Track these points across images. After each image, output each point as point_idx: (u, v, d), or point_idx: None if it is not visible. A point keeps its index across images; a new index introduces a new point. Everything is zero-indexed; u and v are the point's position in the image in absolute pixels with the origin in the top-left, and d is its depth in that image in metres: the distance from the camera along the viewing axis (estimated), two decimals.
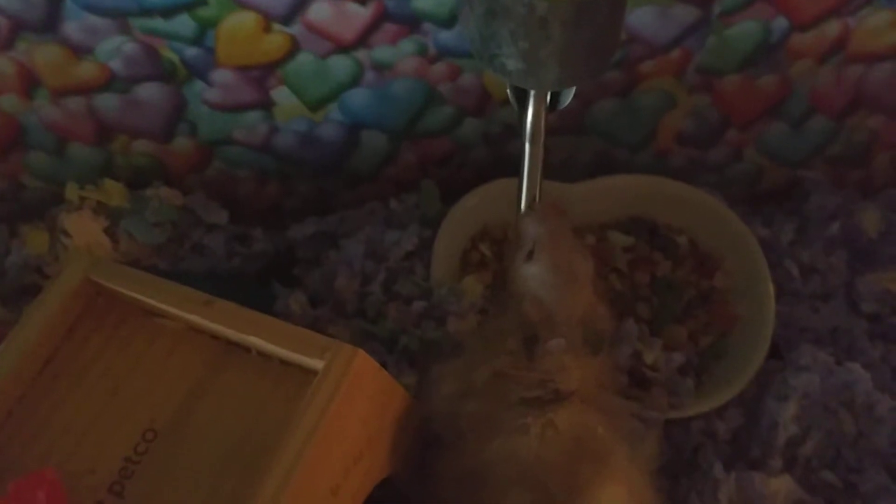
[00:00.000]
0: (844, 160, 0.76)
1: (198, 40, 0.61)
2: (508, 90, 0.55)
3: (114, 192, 0.67)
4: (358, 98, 0.66)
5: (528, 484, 0.47)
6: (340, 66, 0.64)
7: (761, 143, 0.74)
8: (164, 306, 0.50)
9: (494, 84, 0.66)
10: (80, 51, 0.61)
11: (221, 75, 0.63)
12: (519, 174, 0.56)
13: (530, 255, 0.53)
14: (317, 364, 0.46)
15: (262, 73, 0.63)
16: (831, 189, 0.75)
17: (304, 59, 0.63)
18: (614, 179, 0.71)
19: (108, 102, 0.64)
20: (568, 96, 0.54)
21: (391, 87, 0.66)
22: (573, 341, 0.50)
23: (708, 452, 0.60)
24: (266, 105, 0.66)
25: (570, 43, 0.46)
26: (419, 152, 0.71)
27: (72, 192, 0.67)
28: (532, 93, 0.52)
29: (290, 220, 0.71)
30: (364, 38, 0.62)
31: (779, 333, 0.65)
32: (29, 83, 0.62)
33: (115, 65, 0.62)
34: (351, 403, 0.46)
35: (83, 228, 0.65)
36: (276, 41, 0.61)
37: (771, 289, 0.65)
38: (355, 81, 0.65)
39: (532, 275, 0.53)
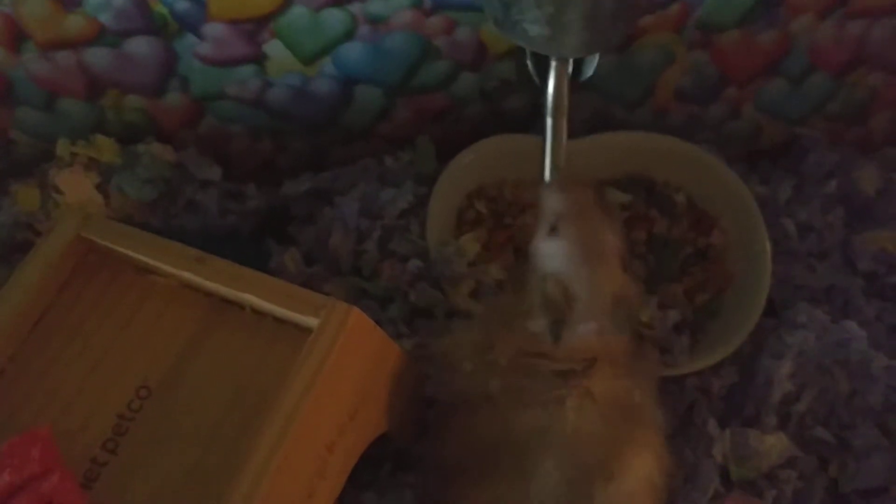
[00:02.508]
0: (843, 118, 0.76)
1: None
2: (529, 62, 0.53)
3: (105, 148, 0.66)
4: (352, 52, 0.65)
5: (565, 454, 0.47)
6: (334, 19, 0.63)
7: (760, 100, 0.73)
8: (156, 263, 0.50)
9: (491, 38, 0.66)
10: (68, 4, 0.59)
11: (213, 29, 0.62)
12: (542, 148, 0.54)
13: (553, 231, 0.51)
14: (311, 322, 0.46)
15: (255, 27, 0.62)
16: (829, 147, 0.75)
17: (297, 13, 0.62)
18: (612, 136, 0.70)
19: (98, 57, 0.63)
20: (591, 65, 0.52)
21: (386, 41, 0.65)
22: (603, 322, 0.49)
23: (702, 409, 0.61)
24: (259, 59, 0.65)
25: (597, 4, 0.45)
26: (414, 108, 0.71)
27: (63, 148, 0.66)
28: (554, 63, 0.50)
29: (284, 176, 0.70)
30: None
31: (775, 291, 0.65)
32: (16, 36, 0.61)
33: (105, 18, 0.61)
34: (346, 361, 0.46)
35: (75, 185, 0.65)
36: None
37: (768, 247, 0.65)
38: (349, 35, 0.64)
39: (555, 252, 0.50)
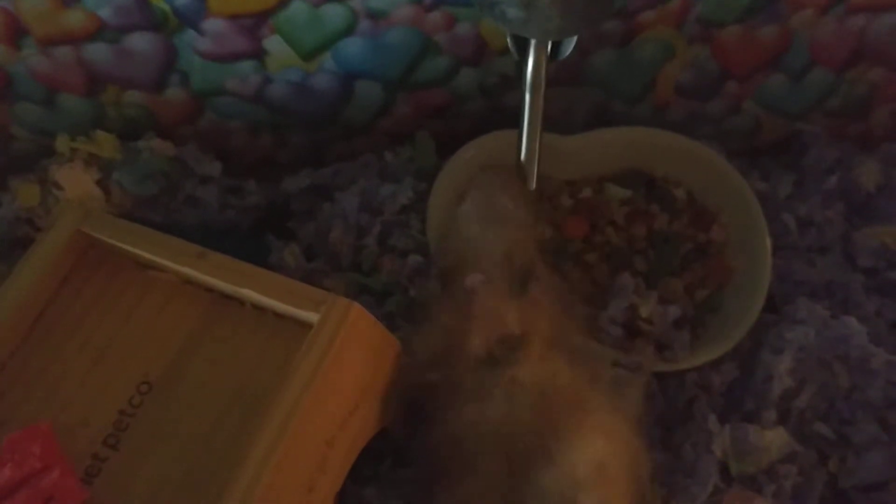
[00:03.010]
0: (844, 113, 0.76)
1: None
2: (508, 39, 0.54)
3: (105, 144, 0.66)
4: (352, 48, 0.65)
5: (501, 446, 0.47)
6: (334, 14, 0.63)
7: (760, 95, 0.73)
8: (156, 259, 0.50)
9: (491, 33, 0.65)
10: None
11: (213, 24, 0.62)
12: (518, 125, 0.55)
13: (461, 197, 0.54)
14: (312, 317, 0.46)
15: (255, 22, 0.62)
16: (830, 142, 0.75)
17: (297, 8, 0.62)
18: (612, 131, 0.70)
19: (97, 52, 0.63)
20: (569, 46, 0.53)
21: (386, 37, 0.65)
22: (496, 280, 0.50)
23: (702, 405, 0.61)
24: (258, 55, 0.65)
25: None
26: (414, 103, 0.71)
27: (62, 143, 0.66)
28: (533, 42, 0.51)
29: (284, 172, 0.70)
30: None
31: (775, 287, 0.65)
32: (15, 31, 0.61)
33: (105, 13, 0.61)
34: (346, 356, 0.46)
35: (75, 181, 0.65)
36: None
37: (768, 242, 0.64)
38: (349, 30, 0.64)
39: (458, 212, 0.54)
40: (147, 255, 0.50)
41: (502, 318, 0.49)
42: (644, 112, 0.74)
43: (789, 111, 0.75)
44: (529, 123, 0.54)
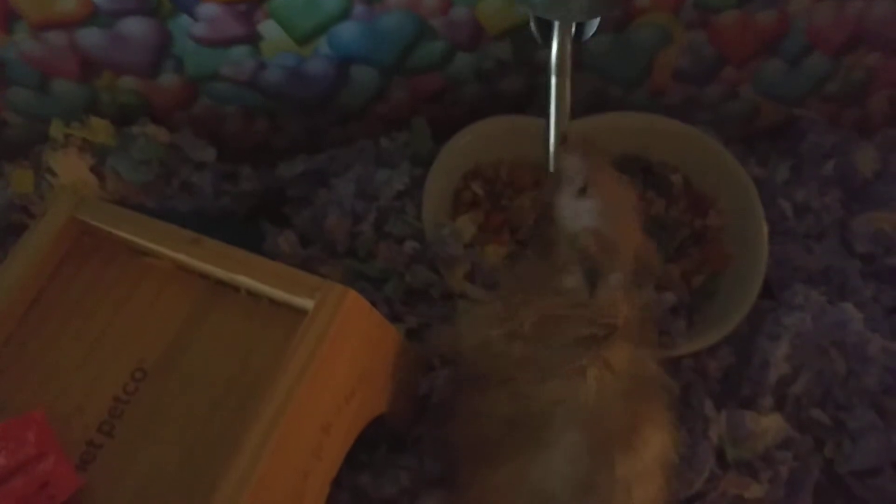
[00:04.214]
0: (841, 99, 0.76)
1: None
2: (532, 22, 0.53)
3: (99, 130, 0.66)
4: (347, 32, 0.65)
5: (587, 424, 0.47)
6: None
7: (758, 80, 0.73)
8: (151, 245, 0.49)
9: (487, 18, 0.65)
10: None
11: (207, 9, 0.62)
12: (546, 108, 0.54)
13: (583, 191, 0.52)
14: (307, 304, 0.46)
15: (249, 7, 0.62)
16: (827, 128, 0.74)
17: None
18: (609, 117, 0.70)
19: (91, 37, 0.63)
20: (593, 26, 0.53)
21: (381, 21, 0.64)
22: (627, 276, 0.50)
23: (699, 391, 0.61)
24: (253, 40, 0.64)
25: None
26: (410, 89, 0.70)
27: (56, 129, 0.66)
28: (556, 24, 0.51)
29: (279, 158, 0.70)
30: None
31: (771, 273, 0.65)
32: (7, 16, 0.60)
33: None
34: (342, 343, 0.45)
35: (69, 166, 0.64)
36: None
37: (764, 228, 0.64)
38: (344, 15, 0.63)
39: (587, 209, 0.51)
40: (142, 242, 0.49)
41: (616, 308, 0.49)
42: (641, 98, 0.73)
43: (787, 97, 0.75)
44: (557, 107, 0.54)
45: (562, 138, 0.55)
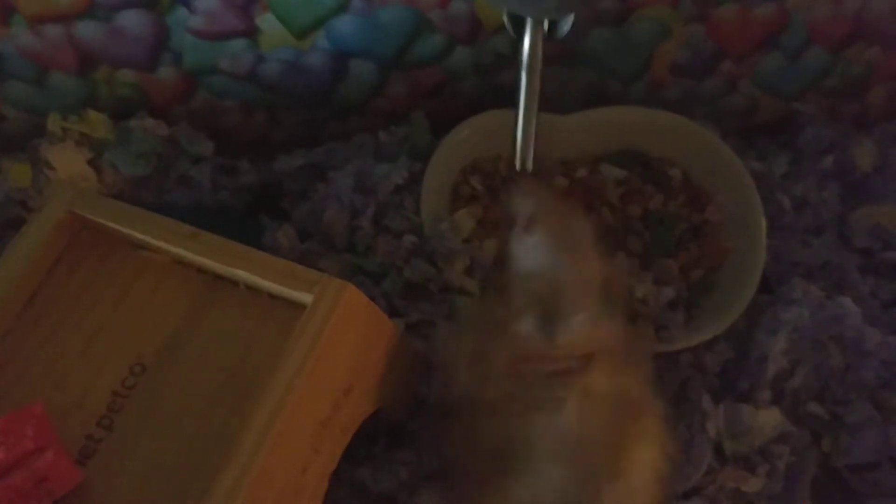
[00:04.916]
0: (840, 93, 0.75)
1: None
2: (505, 18, 0.53)
3: (97, 124, 0.66)
4: (346, 26, 0.64)
5: (571, 456, 0.47)
6: None
7: (756, 74, 0.73)
8: (149, 239, 0.49)
9: (486, 12, 0.65)
10: None
11: (205, 2, 0.62)
12: (515, 105, 0.54)
13: (527, 229, 0.51)
14: (306, 298, 0.46)
15: (247, 0, 0.62)
16: (826, 122, 0.75)
17: None
18: (607, 111, 0.70)
19: (88, 30, 0.63)
20: (566, 24, 0.52)
21: (380, 14, 0.64)
22: (593, 307, 0.48)
23: (697, 385, 0.61)
24: (251, 33, 0.64)
25: None
26: (409, 83, 0.70)
27: (54, 123, 0.65)
28: (529, 20, 0.51)
29: (278, 152, 0.70)
30: None
31: (770, 267, 0.65)
32: (4, 9, 0.60)
33: None
34: (340, 337, 0.45)
35: (67, 160, 0.64)
36: None
37: (763, 222, 0.64)
38: (343, 8, 0.63)
39: (533, 248, 0.51)
40: (140, 236, 0.49)
41: (590, 341, 0.48)
42: (639, 92, 0.73)
43: (785, 91, 0.75)
44: (526, 104, 0.54)
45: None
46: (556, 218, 0.51)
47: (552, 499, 0.46)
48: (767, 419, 0.58)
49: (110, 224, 0.50)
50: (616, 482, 0.46)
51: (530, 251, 0.51)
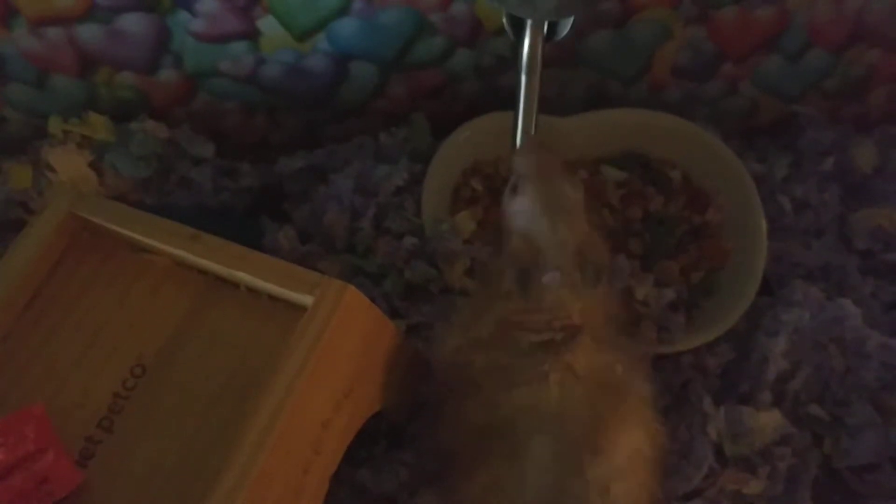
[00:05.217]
0: (841, 95, 0.75)
1: None
2: (504, 19, 0.53)
3: (98, 126, 0.66)
4: (346, 28, 0.64)
5: (552, 432, 0.47)
6: None
7: (757, 76, 0.73)
8: (150, 241, 0.49)
9: (487, 13, 0.65)
10: None
11: (206, 5, 0.62)
12: (514, 106, 0.54)
13: (514, 189, 0.52)
14: (306, 300, 0.46)
15: (248, 3, 0.62)
16: (826, 124, 0.74)
17: None
18: (608, 113, 0.70)
19: (89, 33, 0.63)
20: (566, 26, 0.52)
21: (380, 17, 0.64)
22: (570, 274, 0.49)
23: (698, 387, 0.61)
24: (252, 35, 0.64)
25: None
26: (409, 84, 0.70)
27: (55, 125, 0.66)
28: (529, 22, 0.51)
29: (278, 153, 0.70)
30: None
31: (770, 269, 0.65)
32: (6, 12, 0.60)
33: None
34: (341, 339, 0.45)
35: (68, 163, 0.64)
36: None
37: (763, 224, 0.64)
38: (343, 10, 0.63)
39: (518, 209, 0.51)
40: (140, 238, 0.49)
41: (568, 309, 0.49)
42: (640, 93, 0.73)
43: (786, 93, 0.75)
44: (525, 106, 0.54)
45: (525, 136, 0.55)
46: (542, 180, 0.52)
47: (538, 478, 0.46)
48: (768, 421, 0.58)
49: (111, 226, 0.50)
50: (597, 458, 0.46)
51: (513, 213, 0.52)
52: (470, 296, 0.57)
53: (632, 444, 0.48)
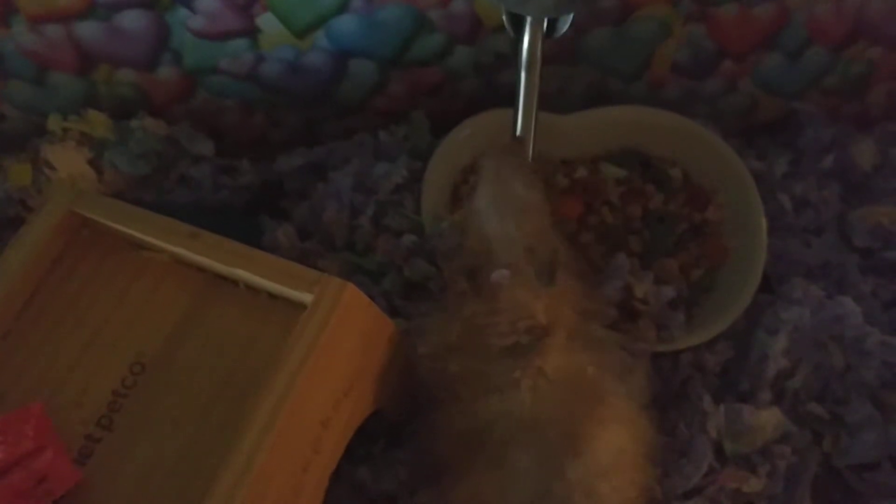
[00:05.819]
0: (840, 92, 0.75)
1: None
2: (504, 16, 0.53)
3: (97, 123, 0.66)
4: (346, 25, 0.64)
5: (527, 439, 0.47)
6: None
7: (757, 74, 0.73)
8: (149, 239, 0.49)
9: (486, 10, 0.65)
10: None
11: (205, 2, 0.62)
12: (514, 104, 0.55)
13: (472, 190, 0.53)
14: (306, 298, 0.46)
15: (247, 0, 0.62)
16: (826, 122, 0.74)
17: None
18: (607, 111, 0.70)
19: (89, 30, 0.62)
20: (565, 23, 0.53)
21: (380, 14, 0.64)
22: (522, 272, 0.49)
23: (697, 385, 0.61)
24: (251, 33, 0.64)
25: None
26: (409, 82, 0.70)
27: (54, 122, 0.66)
28: (528, 19, 0.51)
29: (278, 151, 0.70)
30: None
31: (770, 267, 0.65)
32: (5, 9, 0.60)
33: None
34: (340, 337, 0.45)
35: (67, 160, 0.64)
36: None
37: (763, 222, 0.64)
38: (343, 7, 0.63)
39: (473, 209, 0.52)
40: (140, 236, 0.49)
41: (529, 308, 0.49)
42: (640, 91, 0.73)
43: (786, 90, 0.75)
44: (525, 102, 0.54)
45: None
46: (497, 181, 0.53)
47: (520, 487, 0.46)
48: (768, 419, 0.58)
49: (110, 223, 0.50)
50: (578, 460, 0.46)
51: (471, 211, 0.53)
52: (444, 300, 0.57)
53: (615, 443, 0.48)
